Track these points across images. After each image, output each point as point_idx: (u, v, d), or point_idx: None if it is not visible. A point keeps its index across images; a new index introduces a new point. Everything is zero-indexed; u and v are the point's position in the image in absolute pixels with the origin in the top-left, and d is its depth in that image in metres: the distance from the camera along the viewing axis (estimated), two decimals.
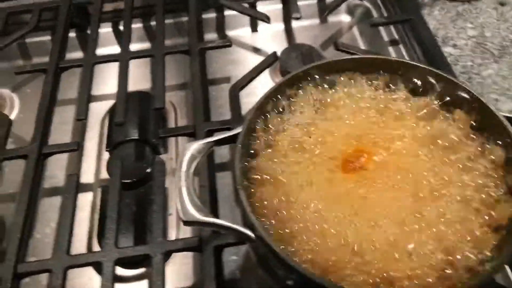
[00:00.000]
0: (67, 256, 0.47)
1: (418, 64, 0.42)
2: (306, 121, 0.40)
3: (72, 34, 0.78)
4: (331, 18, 0.80)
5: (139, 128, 0.64)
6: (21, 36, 0.73)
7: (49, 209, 0.60)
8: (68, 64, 0.66)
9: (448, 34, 0.71)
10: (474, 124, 0.40)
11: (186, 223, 0.34)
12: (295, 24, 0.78)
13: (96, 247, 0.55)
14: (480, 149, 0.38)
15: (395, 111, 0.41)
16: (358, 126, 0.40)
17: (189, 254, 0.54)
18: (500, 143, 0.38)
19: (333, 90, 0.43)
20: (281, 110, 0.41)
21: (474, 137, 0.39)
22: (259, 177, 0.37)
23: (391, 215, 0.35)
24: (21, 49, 0.79)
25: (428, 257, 0.33)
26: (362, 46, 0.75)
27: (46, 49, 0.72)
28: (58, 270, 0.46)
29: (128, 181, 0.58)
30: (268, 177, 0.37)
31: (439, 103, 0.41)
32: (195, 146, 0.38)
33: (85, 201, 0.61)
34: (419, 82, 0.42)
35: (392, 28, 0.73)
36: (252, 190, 0.37)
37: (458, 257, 0.33)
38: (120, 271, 0.54)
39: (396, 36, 0.73)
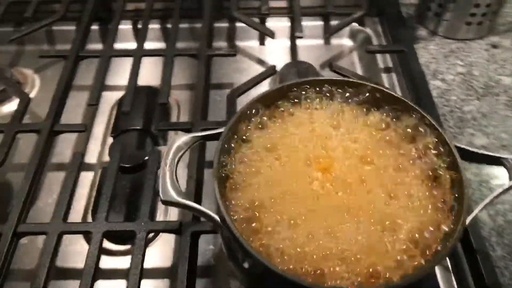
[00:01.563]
0: (63, 223, 0.54)
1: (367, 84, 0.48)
2: (282, 127, 0.46)
3: (95, 27, 0.85)
4: (334, 41, 0.86)
5: (143, 119, 0.70)
6: (49, 23, 0.80)
7: (54, 182, 0.66)
8: (87, 54, 0.73)
9: (439, 68, 0.76)
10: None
11: (164, 202, 0.40)
12: (300, 42, 0.84)
13: (90, 220, 0.61)
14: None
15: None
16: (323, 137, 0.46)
17: (173, 239, 0.60)
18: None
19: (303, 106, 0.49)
20: (259, 118, 0.47)
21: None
22: (233, 173, 0.43)
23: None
24: (48, 35, 0.86)
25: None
26: (359, 69, 0.81)
27: (70, 38, 0.79)
28: (53, 233, 0.52)
29: (126, 165, 0.65)
30: (243, 172, 0.43)
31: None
32: (183, 138, 0.44)
33: (86, 179, 0.67)
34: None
35: (388, 56, 0.79)
36: (228, 183, 0.43)
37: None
38: (109, 245, 0.60)
39: (391, 65, 0.78)
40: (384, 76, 0.77)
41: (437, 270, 0.55)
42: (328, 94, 0.49)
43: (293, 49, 0.84)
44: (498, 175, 0.60)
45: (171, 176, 0.41)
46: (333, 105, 0.48)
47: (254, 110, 0.46)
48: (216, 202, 0.39)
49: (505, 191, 0.42)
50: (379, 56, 0.80)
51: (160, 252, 0.59)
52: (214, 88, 0.79)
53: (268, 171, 0.43)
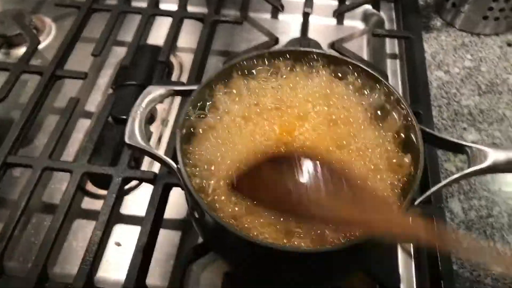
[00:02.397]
0: (48, 160, 0.57)
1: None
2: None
3: None
4: (347, 22, 0.85)
5: (143, 75, 0.72)
6: None
7: (54, 125, 0.70)
8: (99, 7, 0.75)
9: (445, 60, 0.74)
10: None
11: (128, 145, 0.42)
12: (312, 19, 0.84)
13: None
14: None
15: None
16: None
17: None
18: None
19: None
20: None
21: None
22: (200, 129, 0.45)
23: None
24: None
25: None
26: (365, 53, 0.80)
27: None
28: (37, 168, 0.56)
29: (121, 117, 0.68)
30: (208, 128, 0.45)
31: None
32: (158, 89, 0.46)
33: (83, 126, 0.71)
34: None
35: (396, 43, 0.78)
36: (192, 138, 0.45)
37: None
38: (93, 188, 0.63)
39: (397, 51, 0.77)
40: (388, 62, 0.76)
41: (399, 254, 0.55)
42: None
43: (304, 25, 0.83)
44: None
45: (140, 123, 0.44)
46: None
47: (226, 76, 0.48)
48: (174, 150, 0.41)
49: (460, 177, 0.42)
50: (388, 42, 0.79)
51: (139, 200, 0.62)
52: (218, 55, 0.80)
53: (232, 131, 0.45)
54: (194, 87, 0.46)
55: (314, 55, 0.49)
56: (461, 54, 0.75)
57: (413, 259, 0.55)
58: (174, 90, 0.47)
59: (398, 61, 0.76)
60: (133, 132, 0.43)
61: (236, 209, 0.40)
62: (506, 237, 0.55)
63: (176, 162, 0.40)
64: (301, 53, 0.50)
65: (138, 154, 0.59)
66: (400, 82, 0.73)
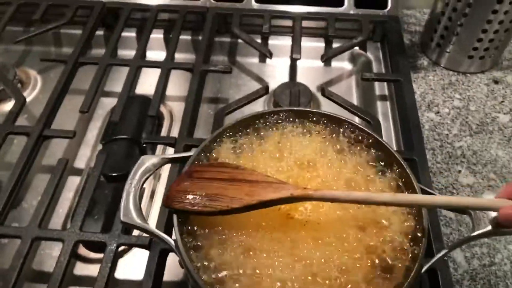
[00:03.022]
0: (38, 229, 0.55)
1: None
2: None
3: (101, 33, 0.87)
4: (335, 64, 0.86)
5: (133, 128, 0.71)
6: (56, 27, 0.82)
7: (42, 184, 0.68)
8: (86, 60, 0.75)
9: (435, 100, 0.75)
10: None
11: (124, 223, 0.41)
12: (300, 63, 0.84)
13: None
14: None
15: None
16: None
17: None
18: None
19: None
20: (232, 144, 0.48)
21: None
22: None
23: None
24: (55, 38, 0.88)
25: None
26: (354, 95, 0.80)
27: (77, 42, 0.81)
28: (27, 238, 0.54)
29: (112, 174, 0.66)
30: None
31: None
32: (152, 159, 0.45)
33: (73, 184, 0.69)
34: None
35: (385, 84, 0.78)
36: None
37: None
38: (86, 252, 0.61)
39: (387, 93, 0.77)
40: (379, 104, 0.76)
41: None
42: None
43: (293, 69, 0.84)
44: None
45: (134, 198, 0.42)
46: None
47: (222, 138, 0.47)
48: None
49: (463, 241, 0.41)
50: (376, 83, 0.79)
51: (135, 263, 0.60)
52: (209, 102, 0.79)
53: None
54: (189, 154, 0.45)
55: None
56: (450, 94, 0.76)
57: None
58: (168, 158, 0.46)
59: (388, 103, 0.76)
60: (128, 209, 0.41)
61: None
62: (510, 286, 0.54)
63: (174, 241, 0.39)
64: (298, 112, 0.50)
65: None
66: (392, 125, 0.73)
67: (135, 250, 0.61)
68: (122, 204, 0.41)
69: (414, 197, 0.41)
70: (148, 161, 0.45)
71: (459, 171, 0.65)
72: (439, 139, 0.69)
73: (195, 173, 0.42)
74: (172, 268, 0.57)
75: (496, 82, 0.78)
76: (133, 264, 0.60)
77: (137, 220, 0.41)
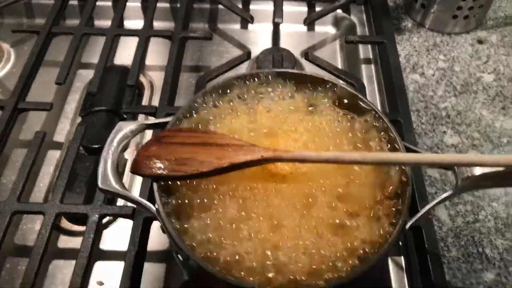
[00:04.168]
0: (17, 203, 0.53)
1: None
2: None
3: (75, 2, 0.84)
4: (318, 28, 0.84)
5: (112, 99, 0.69)
6: None
7: (21, 159, 0.66)
8: (59, 30, 0.72)
9: (419, 61, 0.74)
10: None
11: (101, 190, 0.40)
12: (282, 28, 0.82)
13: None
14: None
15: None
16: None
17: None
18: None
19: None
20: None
21: None
22: None
23: None
24: (27, 8, 0.84)
25: None
26: (339, 59, 0.79)
27: (49, 12, 0.77)
28: (6, 212, 0.52)
29: (92, 146, 0.64)
30: None
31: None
32: (130, 125, 0.44)
33: (53, 158, 0.67)
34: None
35: (369, 47, 0.77)
36: None
37: None
38: (69, 225, 0.60)
39: (371, 56, 0.76)
40: (363, 68, 0.75)
41: (390, 268, 0.55)
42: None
43: (275, 34, 0.82)
44: None
45: (113, 164, 0.41)
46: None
47: (201, 103, 0.45)
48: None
49: (445, 198, 0.41)
50: (361, 46, 0.78)
51: (120, 234, 0.59)
52: (190, 71, 0.77)
53: None
54: (167, 119, 0.44)
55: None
56: (434, 55, 0.75)
57: (405, 272, 0.54)
58: (146, 124, 0.44)
59: (373, 66, 0.75)
60: (106, 175, 0.40)
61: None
62: (494, 242, 0.54)
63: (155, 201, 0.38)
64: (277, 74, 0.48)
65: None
66: (376, 88, 0.72)
67: (120, 221, 0.60)
68: (100, 171, 0.40)
69: (385, 155, 0.41)
70: (125, 127, 0.43)
71: (444, 132, 0.65)
72: (424, 100, 0.69)
73: (164, 138, 0.41)
74: (157, 239, 0.56)
75: (480, 42, 0.77)
76: (119, 235, 0.59)
77: (116, 187, 0.40)
